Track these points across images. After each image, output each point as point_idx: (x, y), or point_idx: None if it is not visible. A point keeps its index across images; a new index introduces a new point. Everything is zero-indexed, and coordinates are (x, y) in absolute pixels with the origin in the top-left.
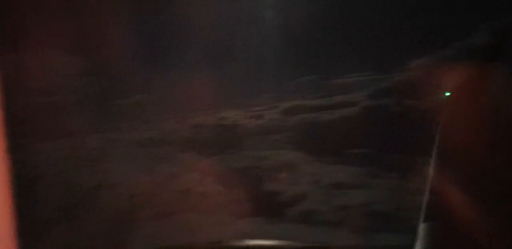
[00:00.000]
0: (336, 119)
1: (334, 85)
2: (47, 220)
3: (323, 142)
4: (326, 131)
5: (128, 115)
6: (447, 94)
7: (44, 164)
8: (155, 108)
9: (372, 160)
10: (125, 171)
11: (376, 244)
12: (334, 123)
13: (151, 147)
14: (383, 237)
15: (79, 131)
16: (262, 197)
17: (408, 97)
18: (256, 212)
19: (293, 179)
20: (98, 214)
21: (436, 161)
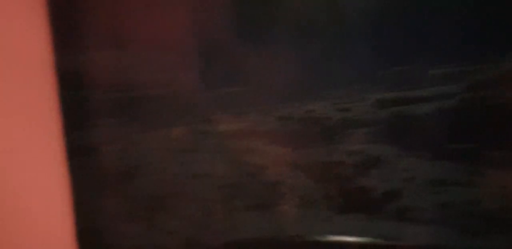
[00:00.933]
0: (431, 112)
1: (428, 76)
2: (145, 207)
3: (418, 137)
4: (420, 125)
5: (216, 108)
6: None
7: (140, 154)
8: (243, 100)
9: (472, 156)
10: (214, 162)
11: (473, 246)
12: (429, 116)
13: (239, 139)
14: (485, 238)
15: (171, 123)
16: (354, 193)
17: (510, 89)
18: (349, 208)
19: (387, 175)
20: (192, 204)
21: None
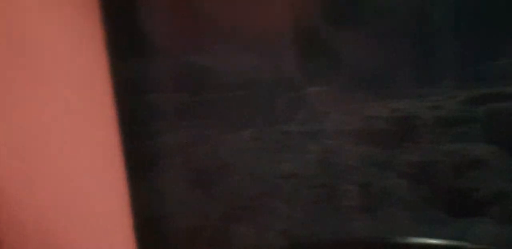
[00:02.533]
0: None
1: None
2: (239, 207)
3: None
4: None
5: (300, 108)
6: None
7: (228, 154)
8: (326, 100)
9: None
10: (301, 162)
11: None
12: None
13: (324, 139)
14: None
15: (256, 124)
16: (453, 195)
17: None
18: (447, 210)
19: (489, 176)
20: (284, 203)
21: None
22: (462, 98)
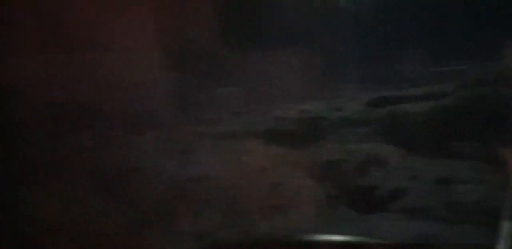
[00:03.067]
0: (427, 110)
1: (424, 74)
2: (147, 212)
3: (416, 135)
4: (417, 123)
5: (211, 108)
6: None
7: (137, 156)
8: (237, 101)
9: (474, 153)
10: (214, 163)
11: (458, 242)
12: (425, 114)
13: (236, 139)
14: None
15: (166, 124)
16: (359, 192)
17: (506, 86)
18: (356, 207)
19: (389, 173)
20: (195, 206)
21: None
22: (365, 100)
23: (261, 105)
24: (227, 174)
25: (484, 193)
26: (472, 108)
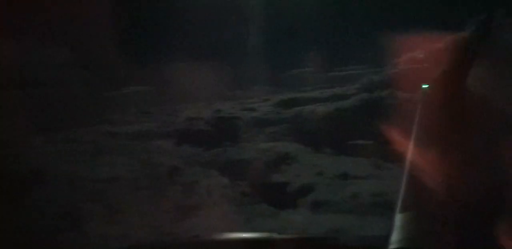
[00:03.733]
0: (332, 111)
1: (325, 78)
2: (54, 216)
3: (321, 134)
4: (323, 123)
5: (120, 107)
6: (425, 86)
7: (41, 158)
8: (148, 100)
9: (372, 151)
10: (125, 164)
11: (352, 235)
12: (330, 115)
13: (147, 139)
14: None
15: (72, 124)
16: (271, 188)
17: (401, 89)
18: (268, 203)
19: (298, 170)
20: (104, 208)
21: (413, 150)
22: (275, 101)
23: (172, 105)
24: (138, 174)
25: (382, 187)
26: (370, 109)
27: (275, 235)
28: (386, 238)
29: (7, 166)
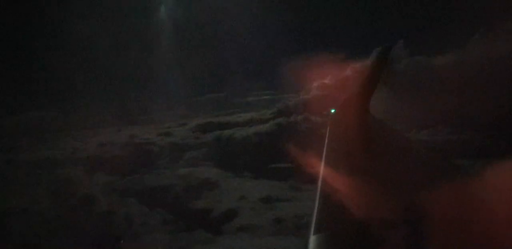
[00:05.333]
0: (251, 135)
1: (240, 102)
2: None
3: (241, 158)
4: (242, 147)
5: (22, 133)
6: (332, 111)
7: None
8: (52, 125)
9: (291, 173)
10: (31, 194)
11: None
12: (249, 139)
13: (53, 167)
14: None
15: None
16: (193, 215)
17: (313, 114)
18: (192, 230)
19: (220, 195)
20: (14, 243)
21: (324, 172)
22: (192, 125)
23: (80, 130)
24: (49, 205)
25: (303, 209)
26: (287, 133)
27: None
28: None
29: None
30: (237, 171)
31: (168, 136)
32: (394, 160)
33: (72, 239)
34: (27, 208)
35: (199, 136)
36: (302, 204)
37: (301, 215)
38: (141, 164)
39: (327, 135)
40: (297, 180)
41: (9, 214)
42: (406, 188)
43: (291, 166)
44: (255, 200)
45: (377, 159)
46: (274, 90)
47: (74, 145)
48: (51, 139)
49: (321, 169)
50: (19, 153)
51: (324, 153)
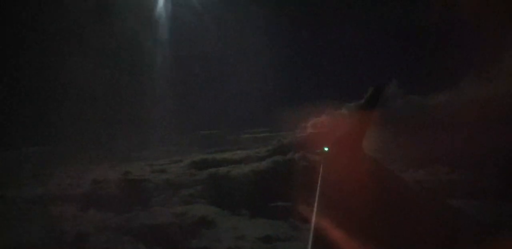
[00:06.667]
0: (247, 173)
1: (234, 140)
2: None
3: (238, 196)
4: (239, 185)
5: (15, 169)
6: (326, 149)
7: None
8: (45, 161)
9: (288, 212)
10: (23, 231)
11: None
12: (246, 177)
13: (47, 204)
14: None
15: None
16: None
17: (310, 152)
18: None
19: (217, 234)
20: None
21: (318, 207)
22: (187, 162)
23: (73, 166)
24: (41, 243)
25: None
26: (284, 171)
27: None
28: None
29: None
30: (234, 209)
31: (162, 173)
32: (387, 200)
33: None
34: (19, 245)
35: (194, 173)
36: (303, 244)
37: None
38: (136, 201)
39: (320, 174)
40: (296, 219)
41: None
42: (399, 229)
43: (289, 204)
44: (254, 240)
45: (370, 199)
46: (268, 128)
47: (67, 181)
48: (43, 175)
49: (314, 208)
50: (10, 189)
51: (318, 192)
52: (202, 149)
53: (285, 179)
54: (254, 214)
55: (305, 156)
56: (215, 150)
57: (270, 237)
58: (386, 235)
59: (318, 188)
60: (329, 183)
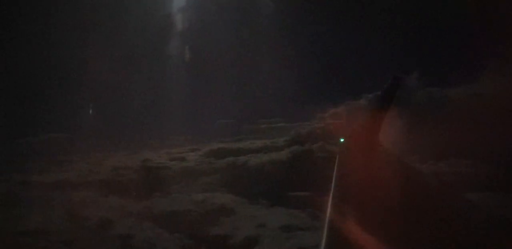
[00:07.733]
0: (266, 162)
1: (250, 129)
2: None
3: (256, 185)
4: (256, 174)
5: (37, 155)
6: (341, 140)
7: None
8: (66, 148)
9: (307, 202)
10: (46, 216)
11: None
12: (264, 166)
13: (69, 190)
14: None
15: None
16: (212, 241)
17: (328, 143)
18: None
19: (237, 222)
20: None
21: (333, 200)
22: (205, 151)
23: (93, 153)
24: (65, 227)
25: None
26: (303, 161)
27: None
28: None
29: None
30: (252, 198)
31: (181, 161)
32: (402, 193)
33: None
34: (41, 230)
35: (212, 162)
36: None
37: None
38: (155, 188)
39: (335, 165)
40: (315, 209)
41: (22, 236)
42: (416, 222)
43: (308, 194)
44: (275, 228)
45: (386, 191)
46: (285, 118)
47: (88, 168)
48: (65, 161)
49: (329, 199)
50: (33, 175)
51: (333, 184)
52: (219, 138)
53: (303, 169)
54: (273, 203)
55: (323, 147)
56: (232, 140)
57: (290, 226)
58: (402, 227)
59: (333, 179)
60: (345, 175)
